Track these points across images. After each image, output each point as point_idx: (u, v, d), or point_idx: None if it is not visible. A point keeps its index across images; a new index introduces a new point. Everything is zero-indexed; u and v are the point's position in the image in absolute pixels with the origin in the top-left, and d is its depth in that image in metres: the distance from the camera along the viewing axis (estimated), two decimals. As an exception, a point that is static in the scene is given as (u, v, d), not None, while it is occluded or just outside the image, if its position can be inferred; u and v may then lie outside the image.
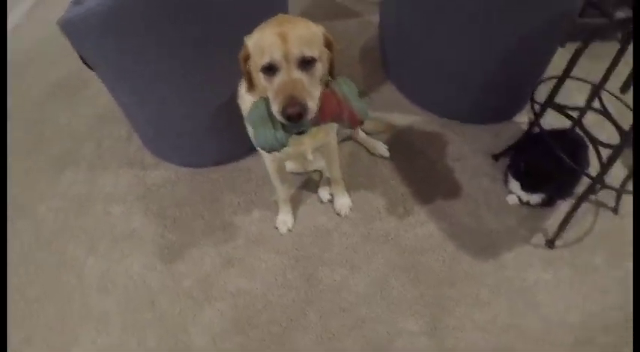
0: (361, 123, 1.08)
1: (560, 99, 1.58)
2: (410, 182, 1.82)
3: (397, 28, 2.02)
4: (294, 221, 1.72)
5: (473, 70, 1.82)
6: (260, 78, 1.05)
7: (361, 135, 1.91)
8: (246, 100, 1.24)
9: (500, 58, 1.72)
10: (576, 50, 1.42)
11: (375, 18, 2.33)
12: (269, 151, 1.04)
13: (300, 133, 1.07)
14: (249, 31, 1.08)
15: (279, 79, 1.00)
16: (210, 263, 1.65)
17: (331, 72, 1.13)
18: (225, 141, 1.84)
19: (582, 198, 1.50)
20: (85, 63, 1.65)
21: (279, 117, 0.99)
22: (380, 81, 2.25)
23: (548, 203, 1.68)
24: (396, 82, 2.20)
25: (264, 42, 1.00)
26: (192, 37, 1.41)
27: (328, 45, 1.09)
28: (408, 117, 2.07)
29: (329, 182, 1.75)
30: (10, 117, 2.49)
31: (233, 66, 1.17)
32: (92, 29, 1.35)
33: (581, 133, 1.62)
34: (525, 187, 1.64)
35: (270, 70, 1.01)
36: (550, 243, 1.60)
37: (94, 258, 1.73)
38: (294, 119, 0.96)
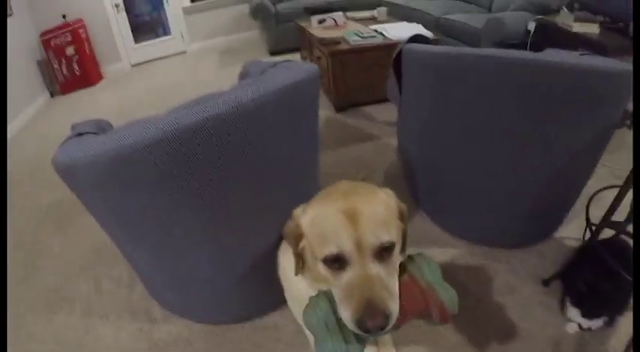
0: (452, 318, 0.85)
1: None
2: (461, 328, 1.58)
3: (422, 155, 1.92)
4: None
5: (509, 194, 1.69)
6: (320, 268, 0.83)
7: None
8: (294, 281, 1.01)
9: (539, 178, 1.60)
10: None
11: (393, 140, 2.24)
12: None
13: None
14: (278, 181, 0.92)
15: (349, 275, 0.78)
16: None
17: (403, 247, 0.92)
18: (249, 296, 1.59)
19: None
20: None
21: (352, 327, 0.76)
22: (410, 211, 2.10)
23: (610, 323, 1.50)
24: (428, 212, 2.07)
25: (327, 224, 0.80)
26: (213, 193, 1.19)
27: (401, 215, 0.90)
28: (446, 250, 1.90)
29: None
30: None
31: (260, 224, 0.97)
32: (93, 177, 1.14)
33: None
34: (587, 314, 1.47)
35: (336, 261, 0.79)
36: (617, 369, 1.38)
37: None
38: (375, 332, 0.74)
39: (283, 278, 1.10)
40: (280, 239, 1.13)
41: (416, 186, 2.07)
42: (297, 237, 0.88)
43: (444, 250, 1.90)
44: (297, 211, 0.89)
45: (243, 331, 1.65)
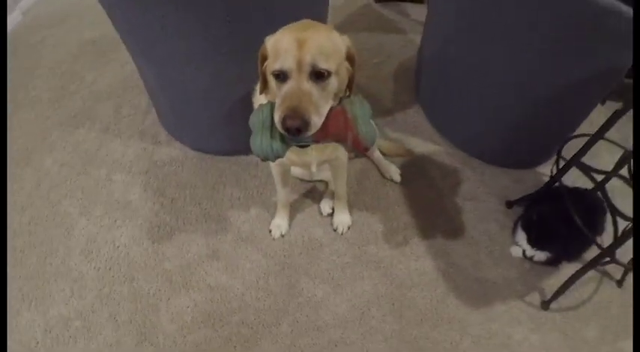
0: (365, 149, 1.02)
1: (588, 157, 1.48)
2: (415, 212, 1.76)
3: (437, 54, 1.96)
4: (289, 227, 1.68)
5: (506, 112, 1.74)
6: (271, 81, 1.02)
7: (376, 154, 1.85)
8: (258, 100, 1.21)
9: (537, 105, 1.64)
10: (615, 112, 1.31)
11: (418, 38, 2.27)
12: (263, 160, 1.01)
13: (302, 146, 1.04)
14: (280, 26, 1.03)
15: (287, 87, 0.94)
16: (195, 251, 1.62)
17: (349, 88, 1.08)
18: (239, 133, 1.75)
19: (588, 267, 1.41)
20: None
21: (278, 126, 0.94)
22: (409, 102, 2.19)
23: (553, 262, 1.59)
24: (425, 107, 2.15)
25: (281, 45, 0.95)
26: (223, 20, 1.36)
27: (350, 59, 1.04)
28: (428, 145, 2.00)
29: (333, 195, 1.70)
30: (39, 68, 2.50)
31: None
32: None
33: (601, 197, 1.54)
34: (532, 241, 1.55)
35: (280, 75, 0.96)
36: (545, 305, 1.52)
37: (85, 219, 1.72)
38: (293, 132, 0.91)
39: (254, 99, 1.30)
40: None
41: (422, 81, 2.14)
42: (263, 57, 1.04)
43: (425, 143, 2.01)
44: (268, 37, 1.05)
45: (228, 163, 1.90)
